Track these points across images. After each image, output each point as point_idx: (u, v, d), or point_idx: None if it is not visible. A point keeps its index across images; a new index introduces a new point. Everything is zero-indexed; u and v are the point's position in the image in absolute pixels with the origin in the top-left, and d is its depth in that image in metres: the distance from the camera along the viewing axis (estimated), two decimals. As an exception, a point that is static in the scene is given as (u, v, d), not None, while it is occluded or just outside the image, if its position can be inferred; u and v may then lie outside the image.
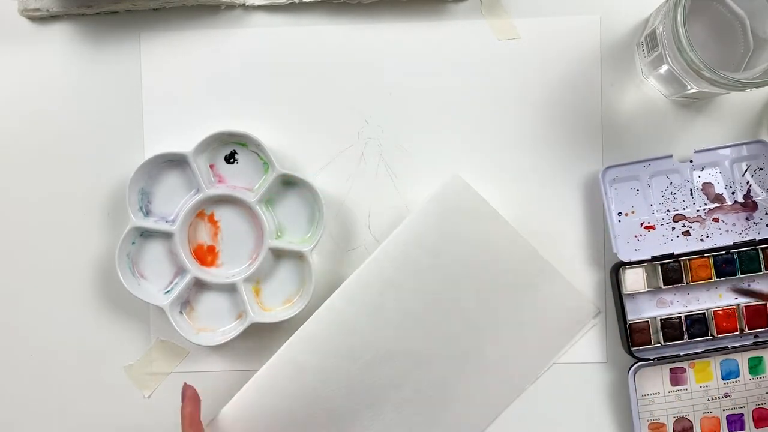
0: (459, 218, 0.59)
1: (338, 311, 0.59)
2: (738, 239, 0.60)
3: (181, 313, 0.61)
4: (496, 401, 0.61)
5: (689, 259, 0.60)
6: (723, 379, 0.61)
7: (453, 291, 0.60)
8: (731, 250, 0.60)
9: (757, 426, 0.61)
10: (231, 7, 0.62)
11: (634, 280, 0.60)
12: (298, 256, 0.61)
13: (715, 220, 0.61)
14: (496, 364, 0.61)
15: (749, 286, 0.60)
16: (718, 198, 0.61)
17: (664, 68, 0.57)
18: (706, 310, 0.60)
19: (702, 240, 0.61)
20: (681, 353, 0.60)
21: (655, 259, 0.60)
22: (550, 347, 0.61)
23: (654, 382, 0.61)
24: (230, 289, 0.61)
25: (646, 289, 0.60)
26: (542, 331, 0.61)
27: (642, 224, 0.61)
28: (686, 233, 0.61)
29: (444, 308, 0.60)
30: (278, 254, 0.61)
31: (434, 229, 0.59)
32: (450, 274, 0.60)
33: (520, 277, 0.60)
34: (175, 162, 0.61)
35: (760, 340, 0.60)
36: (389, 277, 0.59)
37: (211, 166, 0.61)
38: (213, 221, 0.61)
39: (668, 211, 0.61)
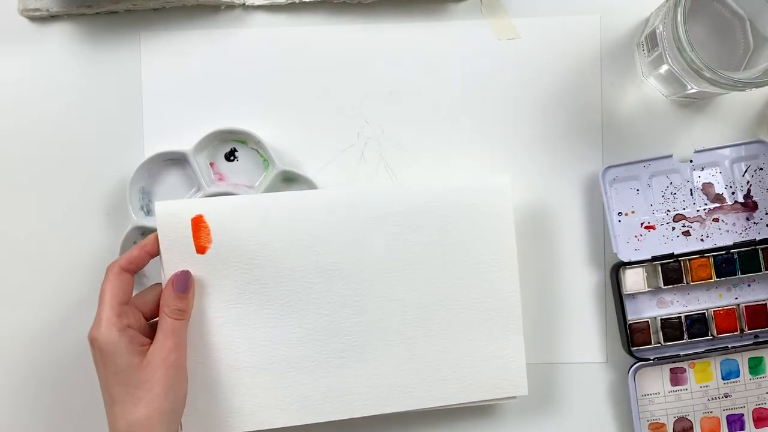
0: (471, 214, 0.57)
1: (319, 210, 0.57)
2: (738, 239, 0.60)
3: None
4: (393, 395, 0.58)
5: (689, 259, 0.60)
6: (723, 379, 0.61)
7: (411, 268, 0.57)
8: (731, 250, 0.60)
9: (757, 426, 0.61)
10: (231, 7, 0.62)
11: (634, 280, 0.60)
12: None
13: (715, 220, 0.61)
14: (413, 367, 0.58)
15: None
16: (718, 198, 0.61)
17: (664, 68, 0.57)
18: (706, 310, 0.60)
19: (702, 240, 0.61)
20: (681, 353, 0.60)
21: (655, 259, 0.60)
22: (463, 389, 0.58)
23: (654, 382, 0.61)
24: (231, 287, 0.61)
25: (646, 289, 0.60)
26: (465, 370, 0.58)
27: (642, 224, 0.61)
28: (686, 233, 0.61)
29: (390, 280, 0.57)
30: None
31: (441, 208, 0.57)
32: (417, 256, 0.57)
33: (485, 310, 0.58)
34: (176, 160, 0.61)
35: (760, 340, 0.60)
36: (371, 216, 0.57)
37: (212, 164, 0.61)
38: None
39: (668, 211, 0.61)
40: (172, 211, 0.55)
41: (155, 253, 0.55)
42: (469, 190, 0.58)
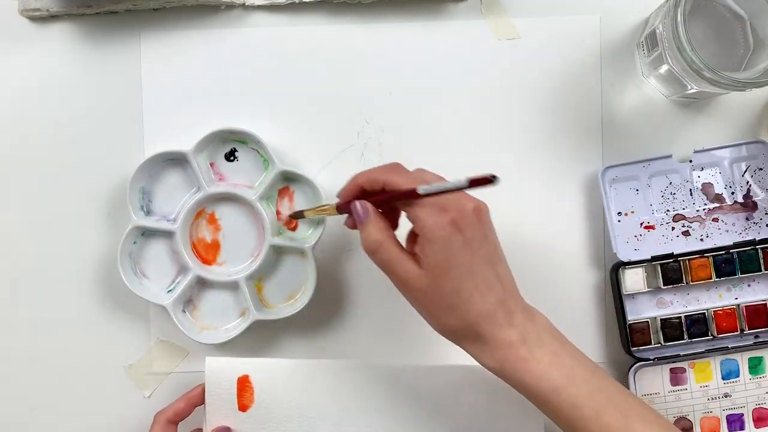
0: (501, 400, 0.58)
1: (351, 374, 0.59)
2: (738, 239, 0.60)
3: (184, 311, 0.61)
4: None
5: (689, 259, 0.60)
6: (723, 379, 0.61)
7: None
8: (731, 250, 0.60)
9: (757, 426, 0.61)
10: (231, 7, 0.62)
11: (634, 280, 0.61)
12: (300, 253, 0.61)
13: (715, 220, 0.61)
14: None
15: None
16: (718, 198, 0.61)
17: (664, 68, 0.57)
18: (706, 310, 0.60)
19: (702, 240, 0.61)
20: (681, 353, 0.60)
21: (655, 259, 0.60)
22: None
23: (654, 382, 0.61)
24: (233, 286, 0.61)
25: (646, 289, 0.60)
26: None
27: (642, 224, 0.61)
28: (686, 233, 0.61)
29: None
30: (280, 251, 0.61)
31: (474, 392, 0.58)
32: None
33: None
34: (176, 161, 0.61)
35: (760, 340, 0.60)
36: (406, 392, 0.58)
37: (212, 164, 0.61)
38: (214, 220, 0.61)
39: (668, 211, 0.61)
40: (220, 368, 0.58)
41: (200, 404, 0.58)
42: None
